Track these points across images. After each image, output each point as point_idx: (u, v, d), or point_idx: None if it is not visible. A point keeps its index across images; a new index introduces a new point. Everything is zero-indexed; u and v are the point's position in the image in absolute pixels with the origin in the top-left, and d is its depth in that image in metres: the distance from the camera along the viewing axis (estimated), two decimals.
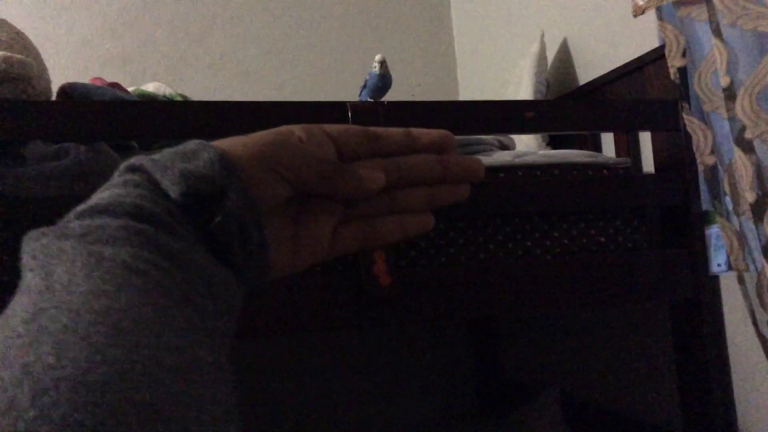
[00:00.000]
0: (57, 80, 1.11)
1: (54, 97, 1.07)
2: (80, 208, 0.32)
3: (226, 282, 0.33)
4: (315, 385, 1.96)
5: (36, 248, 0.29)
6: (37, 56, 1.02)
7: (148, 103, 1.15)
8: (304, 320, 1.01)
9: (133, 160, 0.35)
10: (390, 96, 1.40)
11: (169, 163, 0.34)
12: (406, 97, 2.16)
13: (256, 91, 2.16)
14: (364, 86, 1.43)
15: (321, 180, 0.40)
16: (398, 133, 0.44)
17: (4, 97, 0.93)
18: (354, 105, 1.06)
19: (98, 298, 0.26)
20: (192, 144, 0.37)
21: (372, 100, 1.39)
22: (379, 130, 0.44)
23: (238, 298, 0.34)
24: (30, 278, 0.28)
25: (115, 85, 1.19)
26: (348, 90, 1.98)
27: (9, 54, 0.91)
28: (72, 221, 0.31)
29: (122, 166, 0.36)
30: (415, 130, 0.44)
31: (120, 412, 0.22)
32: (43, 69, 1.01)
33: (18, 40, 0.98)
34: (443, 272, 1.09)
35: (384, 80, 1.41)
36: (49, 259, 0.29)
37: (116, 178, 0.35)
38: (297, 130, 0.40)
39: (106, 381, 0.22)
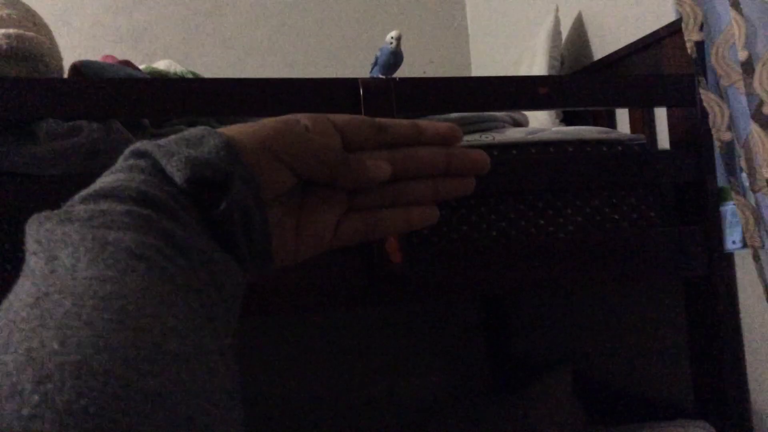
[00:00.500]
0: (68, 59, 1.11)
1: (66, 75, 1.07)
2: (84, 192, 0.32)
3: (229, 270, 0.33)
4: (326, 362, 1.98)
5: (40, 232, 0.30)
6: (48, 34, 1.02)
7: (160, 80, 1.14)
8: (316, 299, 1.02)
9: (139, 145, 0.35)
10: (401, 72, 1.38)
11: (175, 149, 0.34)
12: (418, 74, 2.15)
13: (267, 68, 2.15)
14: (375, 63, 1.42)
15: (326, 169, 0.40)
16: (405, 125, 0.44)
17: (17, 75, 0.93)
18: (365, 81, 1.05)
19: (102, 284, 0.26)
20: (198, 130, 0.37)
21: (383, 77, 1.38)
22: (386, 121, 0.43)
23: (240, 286, 0.34)
24: (33, 262, 0.28)
25: (127, 63, 1.19)
26: (359, 67, 1.97)
27: (21, 32, 0.91)
28: (76, 205, 0.31)
29: (127, 150, 0.36)
30: (422, 122, 0.44)
31: (123, 399, 0.22)
32: (55, 47, 1.01)
33: (29, 17, 0.98)
34: (455, 250, 1.09)
35: (396, 57, 1.40)
36: (53, 244, 0.28)
37: (121, 162, 0.35)
38: (303, 118, 0.40)
39: (109, 367, 0.22)
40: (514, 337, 2.07)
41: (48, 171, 0.92)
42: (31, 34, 0.93)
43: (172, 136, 0.36)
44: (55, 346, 0.23)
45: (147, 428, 0.22)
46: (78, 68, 1.06)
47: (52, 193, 0.92)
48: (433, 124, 0.44)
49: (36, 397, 0.21)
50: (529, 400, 1.71)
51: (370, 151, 0.42)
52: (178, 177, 0.33)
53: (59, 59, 1.02)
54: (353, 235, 0.43)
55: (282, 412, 1.89)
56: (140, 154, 0.35)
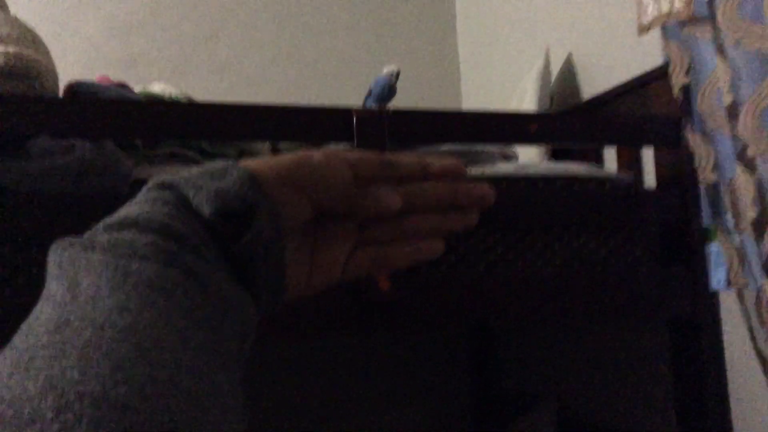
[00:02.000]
0: (63, 80, 1.12)
1: (61, 95, 1.08)
2: (109, 220, 0.33)
3: (244, 305, 0.34)
4: (307, 390, 1.95)
5: (63, 257, 0.30)
6: (46, 53, 1.02)
7: (154, 102, 1.15)
8: (302, 324, 1.01)
9: (164, 178, 0.36)
10: (393, 105, 1.40)
11: (201, 182, 0.35)
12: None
13: (260, 96, 2.16)
14: (369, 94, 1.44)
15: (342, 200, 0.41)
16: (412, 161, 0.45)
17: (12, 92, 0.93)
18: (359, 111, 1.06)
19: (122, 315, 0.27)
20: (219, 163, 0.38)
21: (377, 108, 1.40)
22: (393, 156, 0.45)
23: (254, 320, 0.35)
24: (55, 287, 0.29)
25: (122, 85, 1.20)
26: (352, 98, 1.99)
27: (19, 50, 0.92)
28: (100, 233, 0.32)
29: (152, 182, 0.36)
30: (428, 159, 0.46)
31: None
32: (52, 66, 1.01)
33: (28, 35, 0.99)
34: (443, 280, 1.09)
35: (391, 90, 1.42)
36: (76, 270, 0.29)
37: (145, 193, 0.36)
38: (316, 154, 0.41)
39: (127, 401, 0.23)
40: (499, 373, 2.06)
41: (40, 188, 0.92)
42: (29, 52, 0.93)
43: (194, 169, 0.37)
44: (76, 375, 0.23)
45: None
46: (73, 88, 1.07)
47: (43, 209, 0.92)
48: (439, 160, 0.46)
49: (56, 426, 0.21)
50: None
51: (379, 184, 0.43)
52: (206, 209, 0.34)
53: (55, 79, 1.03)
54: (362, 268, 0.44)
55: None
56: (165, 187, 0.36)
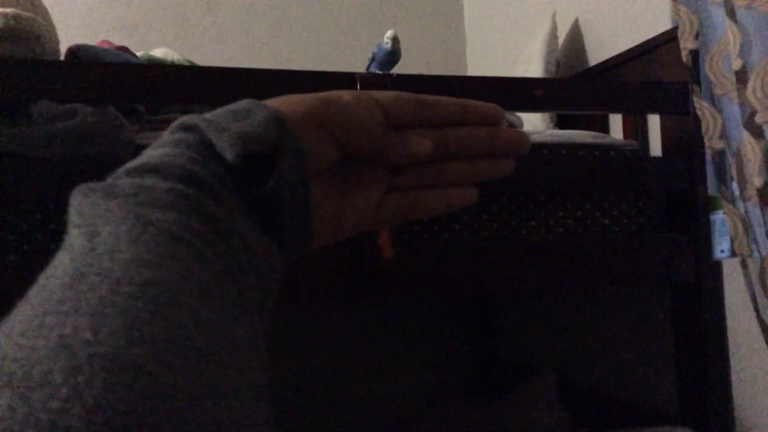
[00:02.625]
0: (64, 45, 1.10)
1: (62, 59, 1.07)
2: (130, 165, 0.32)
3: (269, 253, 0.33)
4: (309, 361, 1.97)
5: (84, 205, 0.29)
6: (45, 15, 1.01)
7: (157, 66, 1.14)
8: (305, 292, 1.02)
9: (187, 119, 0.35)
10: (397, 72, 1.39)
11: (224, 124, 0.34)
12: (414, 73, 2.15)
13: (263, 63, 2.15)
14: (372, 59, 1.42)
15: (370, 143, 0.39)
16: (449, 103, 0.43)
17: (12, 55, 0.92)
18: (363, 76, 1.05)
19: (140, 269, 0.26)
20: (244, 103, 0.36)
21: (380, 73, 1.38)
22: (431, 98, 0.43)
23: (279, 269, 0.34)
24: (75, 236, 0.28)
25: (124, 49, 1.18)
26: (356, 63, 1.96)
27: (18, 11, 0.91)
28: (122, 178, 0.31)
29: (175, 123, 0.35)
30: (467, 101, 0.44)
31: (152, 397, 0.21)
32: (51, 28, 1.00)
33: None
34: (446, 248, 1.09)
35: (393, 56, 1.40)
36: (95, 219, 0.28)
37: (168, 135, 0.35)
38: (345, 94, 0.40)
39: (140, 362, 0.22)
40: (500, 340, 2.08)
41: (42, 153, 0.92)
42: (28, 14, 0.92)
43: (219, 110, 0.36)
44: (89, 335, 0.22)
45: (174, 427, 0.21)
46: (75, 52, 1.06)
47: (44, 175, 0.92)
48: (478, 103, 0.44)
49: (65, 390, 0.21)
50: (513, 404, 1.71)
51: (412, 129, 0.42)
52: (229, 153, 0.33)
53: (56, 41, 1.01)
54: (394, 214, 0.43)
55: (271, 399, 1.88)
56: (188, 128, 0.34)
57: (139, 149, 1.05)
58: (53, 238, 0.94)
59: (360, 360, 2.03)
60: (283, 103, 0.37)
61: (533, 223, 1.17)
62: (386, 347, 2.06)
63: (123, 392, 0.21)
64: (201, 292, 0.27)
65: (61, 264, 0.26)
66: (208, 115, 0.35)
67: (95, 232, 0.28)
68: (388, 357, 2.06)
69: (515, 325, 2.03)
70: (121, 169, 0.32)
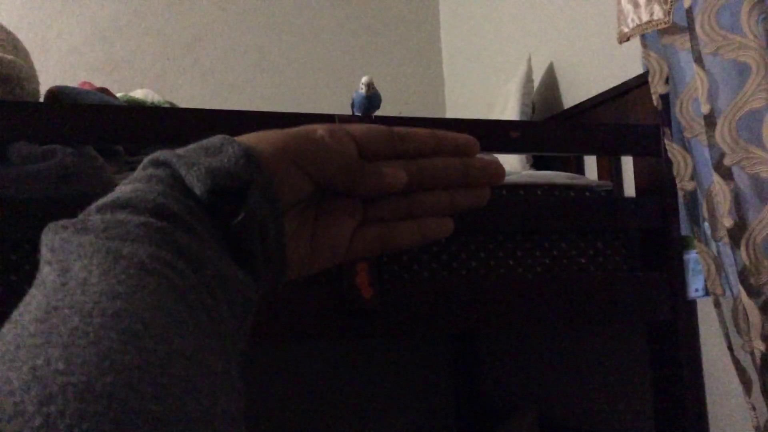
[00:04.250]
0: (45, 85, 1.11)
1: (42, 100, 1.07)
2: (102, 201, 0.32)
3: (242, 285, 0.33)
4: (290, 399, 1.95)
5: (55, 241, 0.29)
6: (27, 58, 1.02)
7: (136, 108, 1.15)
8: (284, 330, 1.01)
9: (158, 154, 0.35)
10: (377, 113, 1.41)
11: (195, 159, 0.34)
12: (394, 114, 2.18)
13: (244, 103, 2.16)
14: (353, 104, 1.44)
15: (343, 176, 0.39)
16: (423, 134, 0.43)
17: None
18: (342, 118, 1.07)
19: (112, 300, 0.26)
20: (216, 139, 0.36)
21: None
22: (403, 130, 0.43)
23: (253, 300, 0.34)
24: (47, 273, 0.28)
25: (104, 90, 1.19)
26: (336, 104, 1.99)
27: (0, 54, 0.91)
28: (93, 215, 0.31)
29: (146, 159, 0.35)
30: (441, 132, 0.44)
31: (126, 425, 0.21)
32: (32, 71, 1.01)
33: (9, 40, 0.98)
34: (425, 287, 1.09)
35: (371, 101, 1.42)
36: (67, 255, 0.28)
37: (140, 171, 0.35)
38: (319, 128, 0.40)
39: (113, 390, 0.22)
40: (481, 379, 2.07)
41: (20, 194, 0.92)
42: (10, 57, 0.93)
43: (191, 146, 0.36)
44: (61, 365, 0.22)
45: None
46: (55, 93, 1.06)
47: (20, 215, 0.91)
48: (452, 134, 0.44)
49: (38, 419, 0.20)
50: None
51: (386, 161, 0.42)
52: (198, 188, 0.33)
53: (36, 84, 1.02)
54: (368, 247, 0.42)
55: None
56: (159, 164, 0.35)
57: None
58: (28, 278, 0.93)
59: (340, 400, 2.01)
60: (256, 138, 0.37)
61: (511, 262, 1.18)
62: (367, 387, 2.05)
63: (96, 421, 0.21)
64: (174, 322, 0.27)
65: (33, 300, 0.26)
66: (180, 151, 0.35)
67: (67, 267, 0.27)
68: (370, 397, 2.04)
69: (497, 363, 2.03)
70: (93, 206, 0.32)
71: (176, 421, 0.23)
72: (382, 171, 0.40)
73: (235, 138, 0.37)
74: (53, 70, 1.98)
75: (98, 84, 1.40)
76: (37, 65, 1.13)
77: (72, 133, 0.95)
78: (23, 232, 0.92)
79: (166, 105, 1.25)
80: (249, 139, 0.37)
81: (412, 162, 0.42)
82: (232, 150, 0.35)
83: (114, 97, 1.18)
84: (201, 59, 2.18)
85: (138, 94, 1.29)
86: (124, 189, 0.33)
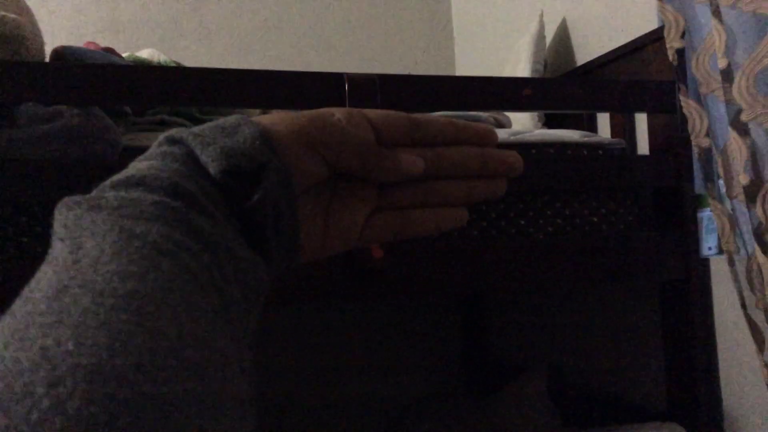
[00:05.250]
0: (50, 47, 1.09)
1: (47, 60, 1.06)
2: (116, 177, 0.32)
3: (255, 267, 0.33)
4: (300, 361, 1.97)
5: (68, 218, 0.29)
6: (31, 17, 1.00)
7: (143, 67, 1.13)
8: (294, 291, 1.01)
9: (174, 132, 0.35)
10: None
11: (211, 138, 0.34)
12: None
13: (251, 62, 2.14)
14: None
15: (359, 161, 0.39)
16: (442, 123, 0.43)
17: None
18: (351, 77, 1.05)
19: (123, 280, 0.26)
20: (233, 119, 0.36)
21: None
22: (422, 117, 0.42)
23: (265, 283, 0.34)
24: (59, 249, 0.28)
25: (109, 51, 1.18)
26: (344, 64, 1.96)
27: (3, 13, 0.90)
28: (107, 191, 0.31)
29: (162, 136, 0.35)
30: (460, 122, 0.43)
31: (134, 408, 0.21)
32: (36, 30, 0.99)
33: (13, 1, 0.97)
34: (436, 247, 1.09)
35: None
36: (80, 232, 0.28)
37: (155, 148, 0.35)
38: (336, 111, 0.39)
39: (122, 373, 0.22)
40: (490, 340, 2.08)
41: (27, 155, 0.91)
42: (13, 16, 0.91)
43: (207, 124, 0.36)
44: (71, 346, 0.22)
45: None
46: (60, 53, 1.05)
47: (30, 177, 0.91)
48: (471, 124, 0.44)
49: (47, 401, 0.20)
50: (504, 402, 1.72)
51: (403, 148, 0.41)
52: (213, 167, 0.33)
53: (41, 43, 1.01)
54: (382, 233, 0.42)
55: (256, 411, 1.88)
56: (175, 142, 0.35)
57: (125, 151, 1.03)
58: (39, 241, 0.93)
59: (350, 360, 2.03)
60: (273, 121, 0.37)
61: (522, 222, 1.17)
62: (376, 347, 2.06)
63: (105, 403, 0.21)
64: (185, 303, 0.27)
65: (44, 277, 0.26)
66: (195, 129, 0.35)
67: (79, 245, 0.27)
68: (379, 357, 2.06)
69: (506, 324, 2.04)
70: (107, 182, 0.32)
71: (186, 405, 0.23)
72: (399, 157, 0.40)
73: (252, 119, 0.36)
74: (58, 31, 1.96)
75: (103, 44, 1.38)
76: (41, 27, 1.11)
77: (78, 94, 0.94)
78: (33, 194, 0.91)
79: (173, 65, 1.23)
80: (266, 120, 0.37)
81: (430, 149, 0.42)
82: (248, 131, 0.35)
83: (120, 57, 1.16)
84: (206, 20, 2.15)
85: (144, 53, 1.27)
86: (139, 166, 0.33)
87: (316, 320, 2.00)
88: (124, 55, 1.22)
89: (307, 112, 0.39)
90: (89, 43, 1.27)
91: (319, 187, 0.40)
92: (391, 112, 0.42)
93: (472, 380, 2.10)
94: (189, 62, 1.92)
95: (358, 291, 1.05)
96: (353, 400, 1.99)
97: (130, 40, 2.04)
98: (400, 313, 2.09)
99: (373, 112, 0.41)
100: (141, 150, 1.02)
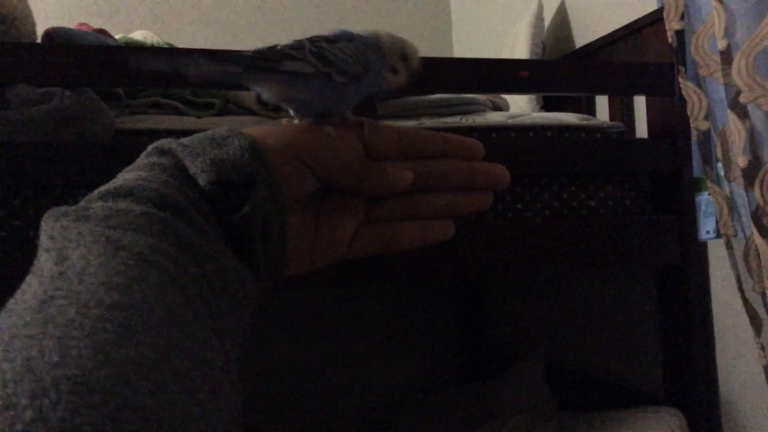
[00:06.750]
0: (41, 28, 1.08)
1: (39, 41, 1.04)
2: (104, 188, 0.32)
3: (243, 279, 0.32)
4: (297, 348, 1.97)
5: (55, 228, 0.29)
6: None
7: (136, 49, 1.12)
8: (289, 277, 1.00)
9: (163, 143, 0.35)
10: None
11: (200, 149, 0.34)
12: None
13: (245, 46, 2.12)
14: None
15: (348, 176, 0.39)
16: (430, 136, 0.43)
17: None
18: None
19: (109, 292, 0.25)
20: (222, 130, 0.36)
21: None
22: (412, 130, 0.43)
23: (253, 295, 0.33)
24: (44, 260, 0.27)
25: (102, 32, 1.16)
26: None
27: None
28: (94, 202, 0.31)
29: (151, 147, 0.35)
30: (448, 134, 0.44)
31: (119, 419, 0.21)
32: (28, 11, 0.98)
33: None
34: None
35: None
36: (66, 243, 0.28)
37: (143, 158, 0.35)
38: (326, 125, 0.40)
39: (107, 384, 0.21)
40: (487, 325, 2.08)
41: (20, 137, 0.90)
42: None
43: (196, 135, 0.36)
44: (55, 357, 0.22)
45: None
46: (51, 35, 1.03)
47: (22, 160, 0.90)
48: (458, 137, 0.44)
49: (30, 413, 0.20)
50: (500, 387, 1.72)
51: (392, 161, 0.42)
52: (202, 179, 0.33)
53: (32, 24, 0.99)
54: (370, 246, 0.42)
55: (248, 397, 1.88)
56: (163, 152, 0.34)
57: (118, 134, 1.02)
58: (32, 224, 0.92)
59: (347, 347, 2.03)
60: (263, 132, 0.37)
61: (519, 206, 1.16)
62: (373, 334, 2.06)
63: (89, 415, 0.20)
64: (172, 315, 0.26)
65: (29, 288, 0.26)
66: (184, 140, 0.35)
67: (65, 256, 0.27)
68: (375, 344, 2.06)
69: (502, 310, 2.04)
70: (95, 193, 0.32)
71: (172, 417, 0.22)
72: (389, 172, 0.40)
73: (242, 131, 0.36)
74: (49, 13, 1.94)
75: (95, 27, 1.37)
76: (32, 7, 1.09)
77: (71, 76, 0.93)
78: (25, 177, 0.90)
79: (166, 46, 1.22)
80: (255, 132, 0.37)
81: (418, 162, 0.42)
82: (238, 142, 0.35)
83: (112, 38, 1.15)
84: (200, 2, 2.12)
85: (137, 35, 1.26)
86: (126, 176, 0.33)
87: (311, 306, 2.00)
88: (116, 36, 1.20)
89: (294, 125, 0.39)
90: (81, 24, 1.25)
91: (307, 199, 0.40)
92: (381, 125, 0.42)
93: (469, 366, 2.11)
94: (182, 44, 1.90)
95: (354, 277, 1.04)
96: (349, 388, 1.99)
97: (123, 22, 2.02)
98: (397, 299, 2.09)
99: (361, 124, 0.41)
100: (134, 133, 1.01)
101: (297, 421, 1.90)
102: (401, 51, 0.46)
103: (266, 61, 0.39)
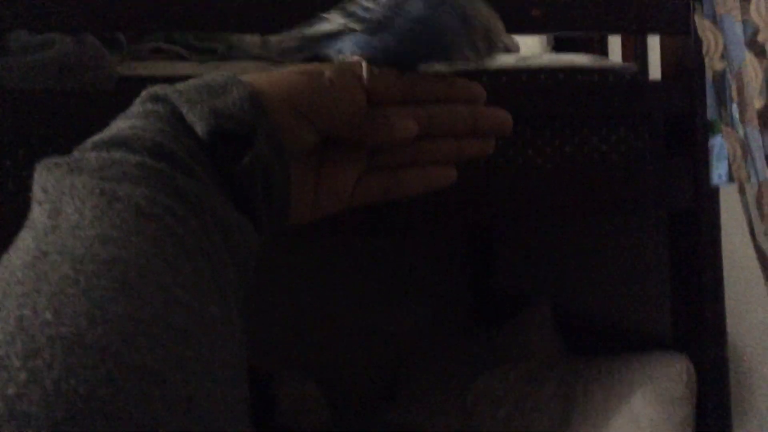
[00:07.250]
0: None
1: None
2: (97, 138, 0.31)
3: (244, 231, 0.32)
4: (302, 294, 1.98)
5: (48, 180, 0.28)
6: None
7: None
8: (298, 225, 1.00)
9: (157, 89, 0.34)
10: None
11: (197, 98, 0.33)
12: None
13: None
14: None
15: (350, 127, 0.39)
16: (434, 81, 0.42)
17: None
18: None
19: (105, 246, 0.24)
20: (220, 77, 0.35)
21: None
22: (413, 76, 0.42)
23: (254, 247, 0.33)
24: (38, 213, 0.26)
25: None
26: None
27: None
28: (87, 152, 0.30)
29: (144, 93, 0.34)
30: (450, 79, 0.43)
31: (117, 379, 0.20)
32: None
33: None
34: None
35: None
36: (59, 195, 0.27)
37: (138, 106, 0.33)
38: (327, 71, 0.39)
39: (104, 343, 0.21)
40: (496, 271, 2.09)
41: (20, 84, 0.89)
42: None
43: (192, 81, 0.35)
44: (48, 316, 0.21)
45: (141, 410, 0.20)
46: None
47: (26, 108, 0.89)
48: (462, 81, 0.43)
49: (23, 375, 0.19)
50: (509, 332, 1.74)
51: (395, 107, 0.41)
52: (200, 128, 0.32)
53: None
54: (372, 194, 0.42)
55: (257, 341, 1.90)
56: (158, 99, 0.33)
57: (121, 81, 1.00)
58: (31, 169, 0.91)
59: (356, 292, 2.04)
60: (262, 80, 0.36)
61: (530, 151, 1.14)
62: (382, 279, 2.07)
63: (85, 375, 0.20)
64: (171, 269, 0.25)
65: (23, 243, 0.25)
66: (179, 86, 0.34)
67: (58, 209, 0.26)
68: (385, 289, 2.07)
69: (512, 256, 2.04)
70: (88, 142, 0.30)
71: (172, 374, 0.21)
72: (392, 122, 0.40)
73: (241, 78, 0.35)
74: None
75: None
76: None
77: (71, 21, 0.91)
78: (29, 125, 0.89)
79: None
80: (254, 81, 0.36)
81: (421, 108, 0.41)
82: (237, 92, 0.34)
83: None
84: None
85: None
86: (120, 125, 0.32)
87: (318, 252, 2.01)
88: None
89: (294, 72, 0.38)
90: None
91: (308, 149, 0.39)
92: (382, 71, 0.41)
93: (479, 310, 2.12)
94: None
95: (363, 223, 1.04)
96: (358, 331, 2.02)
97: None
98: (406, 242, 2.09)
99: (362, 68, 0.40)
100: (136, 80, 0.99)
101: (308, 366, 1.93)
102: (486, 28, 0.43)
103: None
